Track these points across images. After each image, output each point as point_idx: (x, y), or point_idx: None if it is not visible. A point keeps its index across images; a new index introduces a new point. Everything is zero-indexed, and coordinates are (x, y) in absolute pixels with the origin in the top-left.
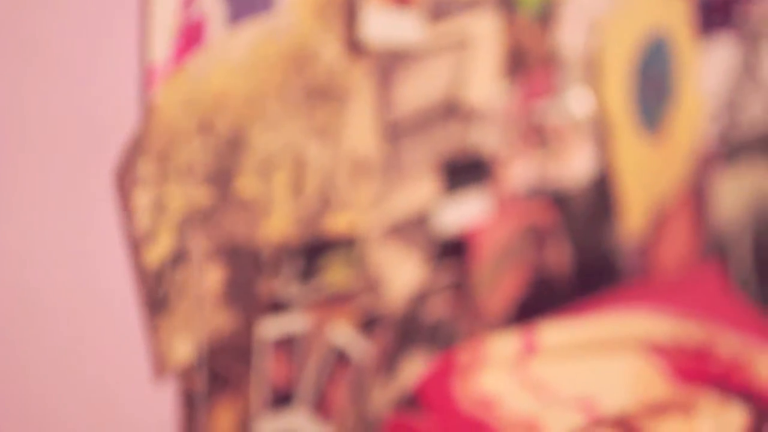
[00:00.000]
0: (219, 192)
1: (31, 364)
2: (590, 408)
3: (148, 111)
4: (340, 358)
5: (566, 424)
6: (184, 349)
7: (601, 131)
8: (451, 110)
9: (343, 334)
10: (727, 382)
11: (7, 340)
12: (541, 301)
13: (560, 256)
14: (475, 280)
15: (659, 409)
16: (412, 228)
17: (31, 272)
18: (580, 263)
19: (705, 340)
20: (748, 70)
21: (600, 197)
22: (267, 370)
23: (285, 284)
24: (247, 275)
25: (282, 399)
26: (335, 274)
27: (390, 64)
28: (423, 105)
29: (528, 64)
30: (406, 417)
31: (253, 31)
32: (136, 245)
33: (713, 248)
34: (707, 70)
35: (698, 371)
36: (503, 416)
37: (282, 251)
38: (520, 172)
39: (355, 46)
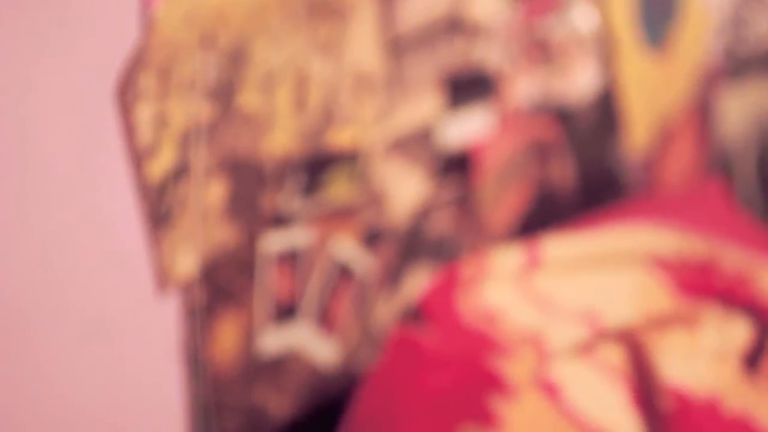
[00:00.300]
0: (221, 107)
1: (31, 279)
2: (594, 321)
3: (149, 26)
4: (344, 273)
5: (570, 337)
6: (187, 263)
7: (605, 47)
8: (454, 26)
9: (346, 248)
10: (731, 296)
11: (6, 255)
12: (544, 216)
13: (564, 172)
14: (479, 195)
15: (663, 323)
16: (415, 143)
17: (33, 189)
18: (584, 178)
19: (709, 254)
20: None
21: (604, 113)
22: (270, 284)
23: (288, 199)
24: (250, 190)
25: (285, 313)
26: (338, 189)
27: None
28: (426, 20)
29: None
30: (409, 330)
31: None
32: (137, 159)
33: (718, 164)
34: None
35: (702, 285)
36: (506, 329)
37: (285, 166)
38: (523, 87)
39: None
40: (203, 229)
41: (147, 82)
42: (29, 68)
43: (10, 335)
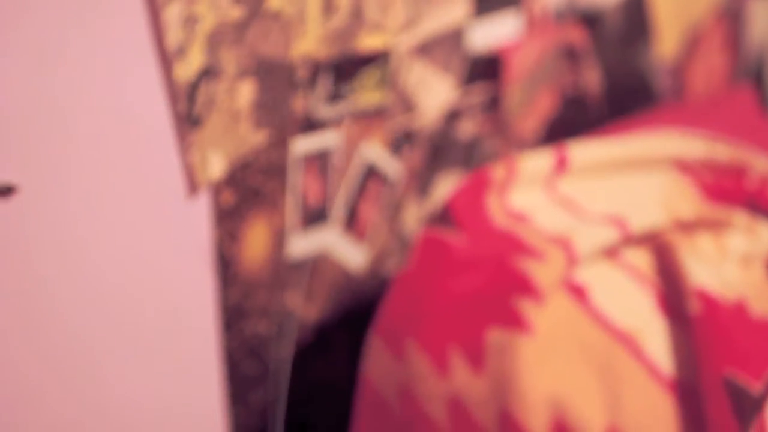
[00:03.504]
0: (250, 8)
1: (60, 184)
2: (621, 225)
3: None
4: (373, 176)
5: (597, 240)
6: (218, 164)
7: None
8: None
9: (375, 151)
10: (758, 200)
11: (38, 164)
12: (572, 121)
13: (592, 77)
14: (508, 100)
15: (690, 227)
16: (445, 47)
17: (64, 92)
18: (611, 84)
19: (737, 160)
20: None
21: (633, 18)
22: (300, 186)
23: (318, 102)
24: (280, 92)
25: (315, 216)
26: (368, 93)
27: None
28: None
29: None
30: (438, 232)
31: None
32: (167, 61)
33: (746, 71)
34: None
35: (730, 190)
36: (535, 230)
37: (315, 69)
38: None
39: None
40: (233, 131)
41: None
42: None
43: (45, 238)
